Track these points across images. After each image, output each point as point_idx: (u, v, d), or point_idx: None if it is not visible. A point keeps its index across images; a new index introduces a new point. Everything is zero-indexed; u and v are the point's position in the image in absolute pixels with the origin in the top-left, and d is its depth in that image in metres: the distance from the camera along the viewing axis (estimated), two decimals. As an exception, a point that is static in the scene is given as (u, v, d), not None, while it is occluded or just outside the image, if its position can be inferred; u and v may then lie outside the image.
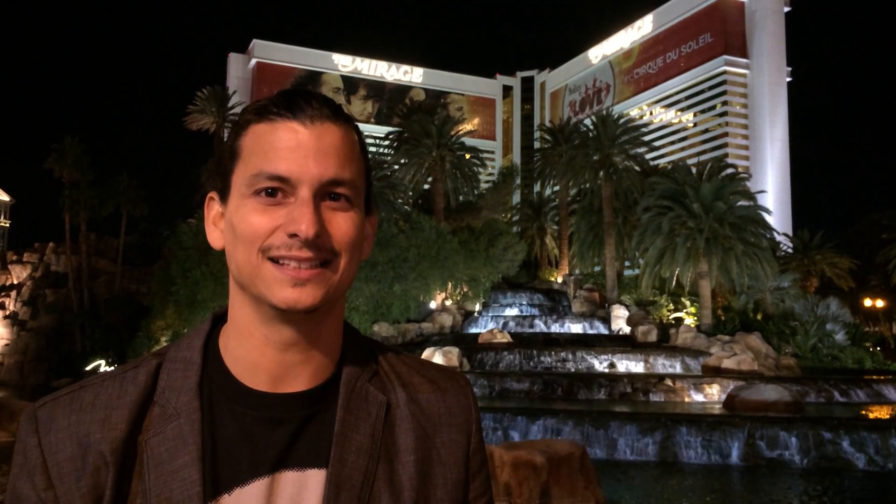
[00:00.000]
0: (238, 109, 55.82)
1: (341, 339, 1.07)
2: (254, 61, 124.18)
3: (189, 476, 0.93)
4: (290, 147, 0.95)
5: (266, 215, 0.94)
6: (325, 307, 0.98)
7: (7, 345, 46.62)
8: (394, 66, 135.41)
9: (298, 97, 0.98)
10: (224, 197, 1.00)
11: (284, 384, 1.01)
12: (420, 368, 1.12)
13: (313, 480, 0.97)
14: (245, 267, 0.96)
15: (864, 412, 19.22)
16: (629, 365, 26.20)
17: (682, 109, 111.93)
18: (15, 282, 50.07)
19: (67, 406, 0.97)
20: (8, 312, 48.02)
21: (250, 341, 1.00)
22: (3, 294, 49.42)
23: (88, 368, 38.60)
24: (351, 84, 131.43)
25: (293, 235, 0.93)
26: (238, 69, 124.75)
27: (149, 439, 0.95)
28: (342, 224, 0.97)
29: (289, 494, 0.96)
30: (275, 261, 0.94)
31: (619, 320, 35.64)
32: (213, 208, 1.03)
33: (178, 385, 0.99)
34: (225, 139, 1.06)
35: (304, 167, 0.94)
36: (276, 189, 0.95)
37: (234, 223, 0.97)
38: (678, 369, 26.19)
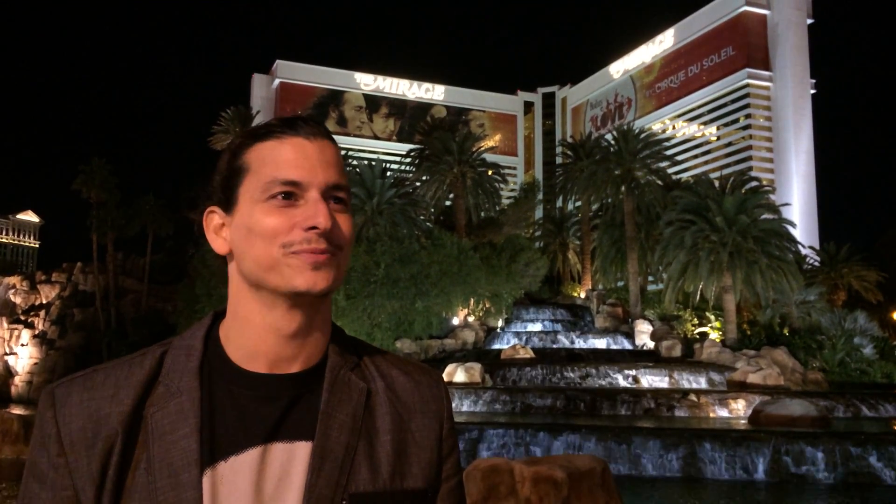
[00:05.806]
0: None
1: (330, 329, 1.22)
2: (277, 81, 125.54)
3: (188, 445, 1.07)
4: (299, 157, 1.12)
5: (283, 215, 1.10)
6: (328, 295, 1.14)
7: (36, 363, 47.25)
8: (415, 83, 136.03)
9: (297, 120, 1.17)
10: (228, 208, 1.16)
11: (278, 368, 1.15)
12: (396, 363, 1.27)
13: (301, 451, 1.11)
14: (264, 261, 1.11)
15: (893, 427, 18.93)
16: (653, 380, 25.99)
17: (704, 123, 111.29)
18: (44, 301, 50.81)
19: (81, 385, 1.12)
20: (37, 332, 48.72)
21: (253, 330, 1.14)
22: (32, 314, 50.17)
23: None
24: (373, 102, 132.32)
25: (311, 228, 1.09)
26: (262, 89, 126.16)
27: (153, 413, 1.10)
28: (343, 222, 1.14)
29: (279, 463, 1.10)
30: (295, 255, 1.10)
31: (643, 335, 35.34)
32: (213, 220, 1.19)
33: (181, 368, 1.14)
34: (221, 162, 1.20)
35: (313, 173, 1.12)
36: (290, 193, 1.11)
37: (250, 225, 1.12)
38: (703, 384, 25.92)
